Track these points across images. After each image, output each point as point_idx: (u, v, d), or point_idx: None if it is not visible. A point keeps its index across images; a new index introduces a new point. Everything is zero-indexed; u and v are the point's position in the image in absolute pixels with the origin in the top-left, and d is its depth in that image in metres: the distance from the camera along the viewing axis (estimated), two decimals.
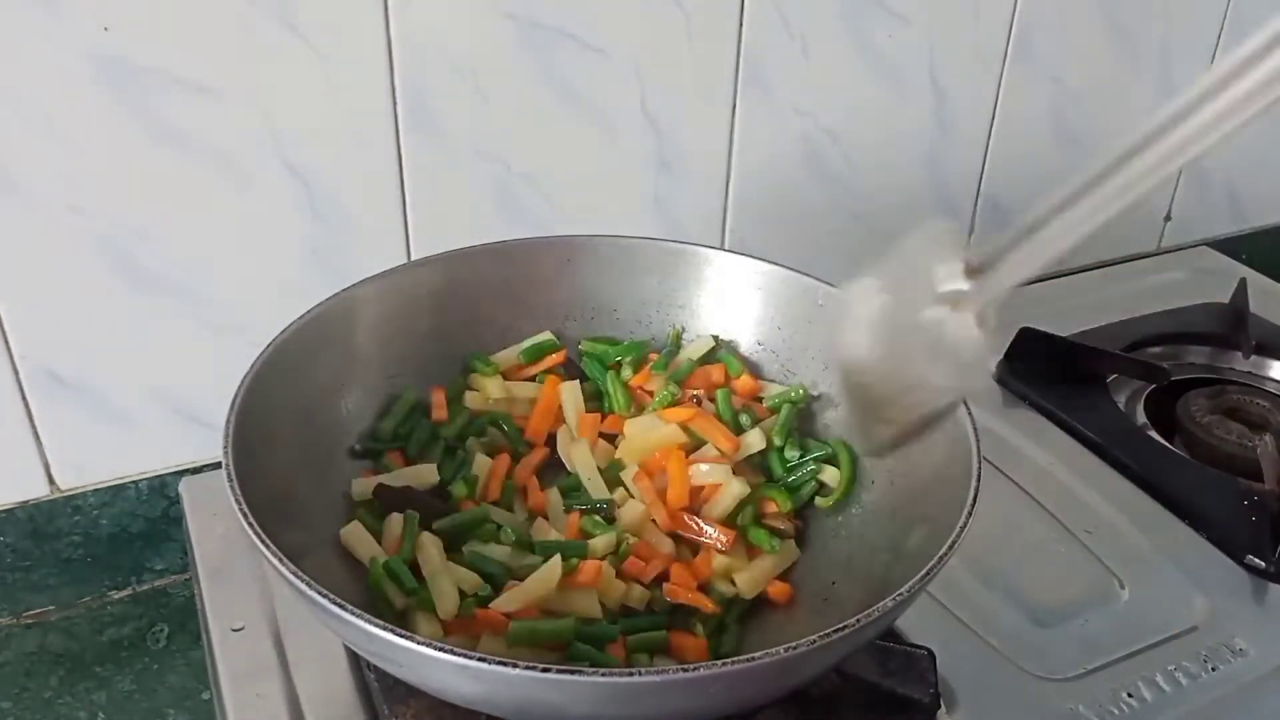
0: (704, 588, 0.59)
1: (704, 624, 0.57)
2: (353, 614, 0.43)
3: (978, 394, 0.51)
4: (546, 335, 0.69)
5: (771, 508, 0.62)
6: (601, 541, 0.58)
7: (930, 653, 0.58)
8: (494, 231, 0.70)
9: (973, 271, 0.49)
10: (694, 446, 0.63)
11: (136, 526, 0.77)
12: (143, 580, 0.79)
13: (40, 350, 0.70)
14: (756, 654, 0.43)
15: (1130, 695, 0.61)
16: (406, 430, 0.65)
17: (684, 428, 0.63)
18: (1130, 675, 0.62)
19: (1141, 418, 0.85)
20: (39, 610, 0.76)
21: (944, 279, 0.50)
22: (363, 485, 0.61)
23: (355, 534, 0.58)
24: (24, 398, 0.70)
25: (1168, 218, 1.16)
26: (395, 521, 0.58)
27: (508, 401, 0.67)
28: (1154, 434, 0.83)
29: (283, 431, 0.58)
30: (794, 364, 0.68)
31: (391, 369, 0.66)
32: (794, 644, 0.43)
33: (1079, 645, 0.64)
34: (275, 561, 0.45)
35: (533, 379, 0.69)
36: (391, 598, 0.55)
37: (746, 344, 0.69)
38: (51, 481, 0.74)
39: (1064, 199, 0.46)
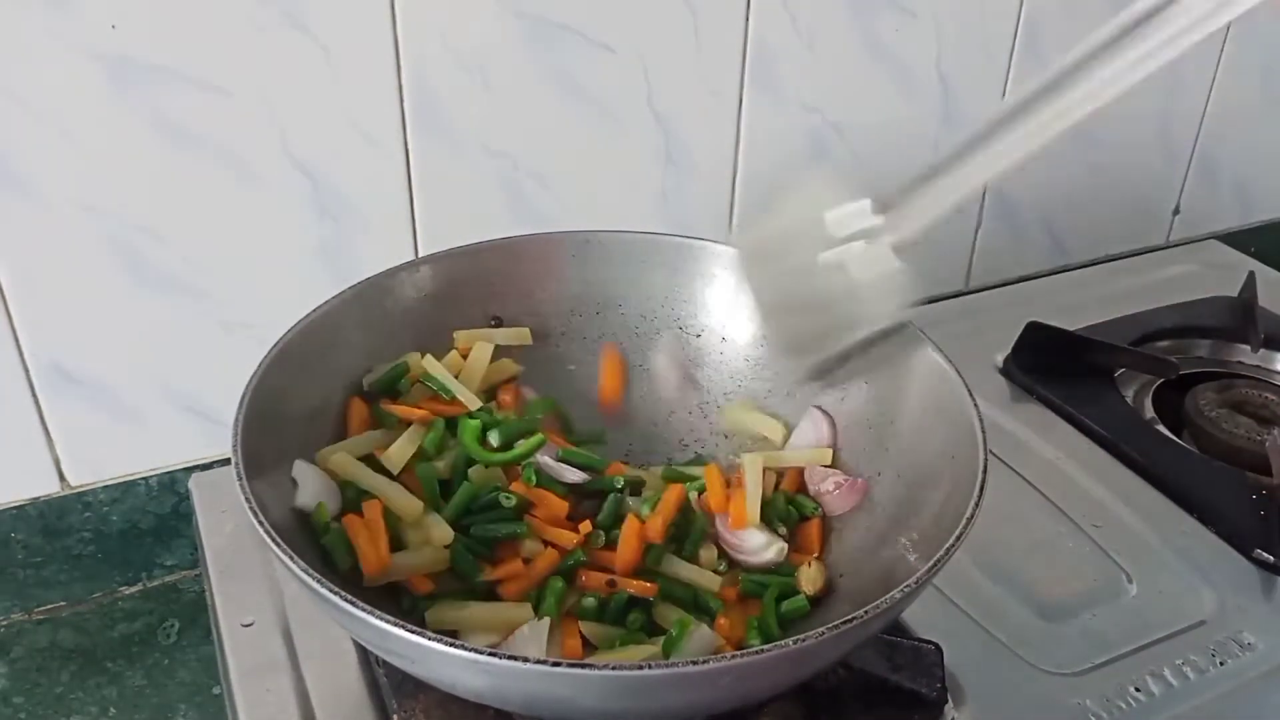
0: None
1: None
2: (363, 610, 0.43)
3: (902, 321, 0.55)
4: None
5: None
6: None
7: (937, 647, 0.58)
8: (501, 228, 0.70)
9: (883, 207, 0.53)
10: None
11: (147, 523, 0.77)
12: (153, 576, 0.79)
13: (51, 347, 0.70)
14: (765, 646, 0.43)
15: (1138, 690, 0.61)
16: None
17: None
18: (1138, 670, 0.62)
19: (1149, 412, 0.85)
20: (50, 606, 0.76)
21: (848, 219, 0.53)
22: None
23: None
24: (34, 395, 0.71)
25: (1176, 211, 1.16)
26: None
27: None
28: (1162, 428, 0.83)
29: (291, 428, 0.58)
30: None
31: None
32: (802, 636, 0.43)
33: (1086, 640, 0.64)
34: (285, 559, 0.46)
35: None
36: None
37: (750, 337, 0.69)
38: (62, 478, 0.74)
39: (972, 140, 0.53)
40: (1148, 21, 0.47)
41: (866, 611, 0.45)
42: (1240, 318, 0.95)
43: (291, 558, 0.45)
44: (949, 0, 0.89)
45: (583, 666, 0.43)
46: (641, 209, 0.86)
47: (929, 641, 0.58)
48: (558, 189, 0.81)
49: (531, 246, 0.70)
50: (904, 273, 0.53)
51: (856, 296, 0.53)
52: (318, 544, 0.55)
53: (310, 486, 0.56)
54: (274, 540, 0.46)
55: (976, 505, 0.50)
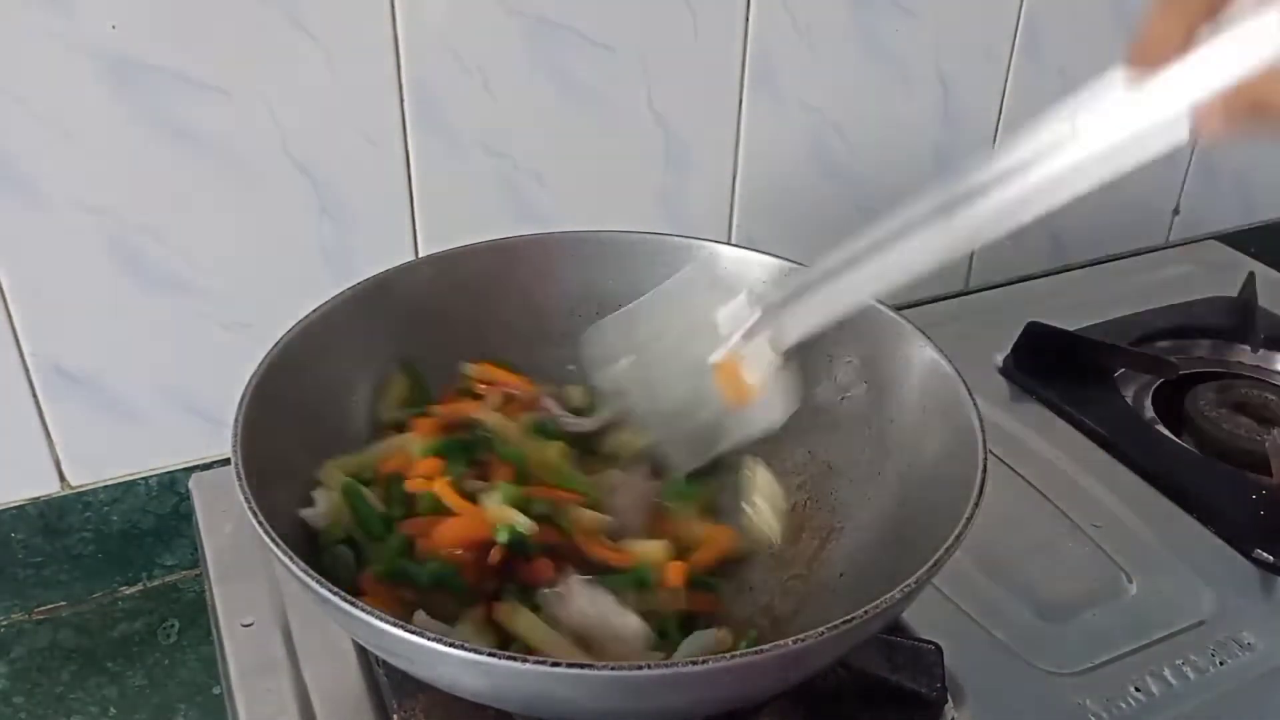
0: None
1: None
2: (363, 610, 0.43)
3: (771, 430, 0.57)
4: None
5: None
6: None
7: (937, 647, 0.58)
8: (501, 228, 0.71)
9: (759, 299, 0.54)
10: None
11: (147, 523, 0.77)
12: (153, 576, 0.79)
13: (51, 347, 0.70)
14: (764, 646, 0.43)
15: (1138, 689, 0.61)
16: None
17: None
18: (1138, 669, 0.62)
19: (1149, 412, 0.85)
20: (51, 606, 0.76)
21: (733, 317, 0.55)
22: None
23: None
24: (35, 395, 0.71)
25: (1176, 211, 1.16)
26: None
27: None
28: (1162, 428, 0.83)
29: (291, 429, 0.58)
30: (798, 356, 0.68)
31: (399, 366, 0.66)
32: (801, 636, 0.43)
33: (1086, 639, 0.64)
34: (284, 559, 0.46)
35: None
36: None
37: None
38: (62, 478, 0.74)
39: (863, 250, 0.52)
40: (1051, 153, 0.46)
41: (866, 611, 0.45)
42: (1240, 318, 0.95)
43: (291, 559, 0.45)
44: (949, 0, 0.89)
45: (583, 666, 0.43)
46: (641, 209, 0.86)
47: (929, 641, 0.58)
48: (558, 189, 0.81)
49: (531, 247, 0.70)
50: (786, 376, 0.53)
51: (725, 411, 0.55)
52: (317, 545, 0.55)
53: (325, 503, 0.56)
54: (274, 541, 0.46)
55: (976, 505, 0.50)
